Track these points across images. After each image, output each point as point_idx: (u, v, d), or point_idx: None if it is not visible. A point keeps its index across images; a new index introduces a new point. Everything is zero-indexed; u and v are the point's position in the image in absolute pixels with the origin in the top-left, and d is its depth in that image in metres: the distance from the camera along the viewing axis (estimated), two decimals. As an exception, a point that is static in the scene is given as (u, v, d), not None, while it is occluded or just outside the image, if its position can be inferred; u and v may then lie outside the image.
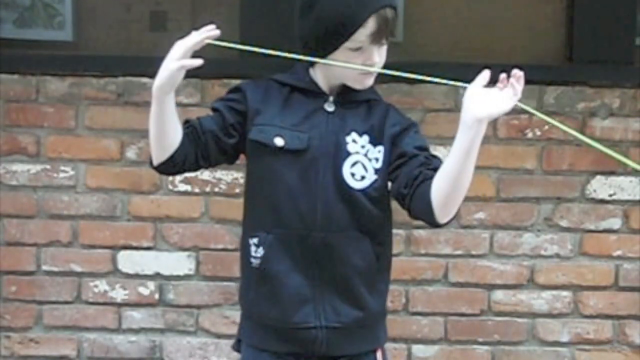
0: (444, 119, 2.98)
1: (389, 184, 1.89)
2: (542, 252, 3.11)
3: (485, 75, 1.72)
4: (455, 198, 1.75)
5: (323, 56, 1.84)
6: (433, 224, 1.81)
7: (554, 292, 3.12)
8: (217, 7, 3.34)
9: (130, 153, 3.09)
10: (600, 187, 3.10)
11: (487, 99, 1.69)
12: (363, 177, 1.86)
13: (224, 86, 3.01)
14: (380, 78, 1.92)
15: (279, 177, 1.86)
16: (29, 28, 3.33)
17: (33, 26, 3.34)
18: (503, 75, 1.72)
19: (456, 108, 3.05)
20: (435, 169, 1.78)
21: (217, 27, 1.82)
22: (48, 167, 3.10)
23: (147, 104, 3.04)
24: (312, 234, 1.85)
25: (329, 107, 1.89)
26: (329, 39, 1.82)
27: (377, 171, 1.86)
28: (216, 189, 3.09)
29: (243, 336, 2.01)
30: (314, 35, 1.84)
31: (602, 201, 3.11)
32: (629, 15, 3.12)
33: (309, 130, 1.86)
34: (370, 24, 1.80)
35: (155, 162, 1.89)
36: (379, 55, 1.85)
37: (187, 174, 3.06)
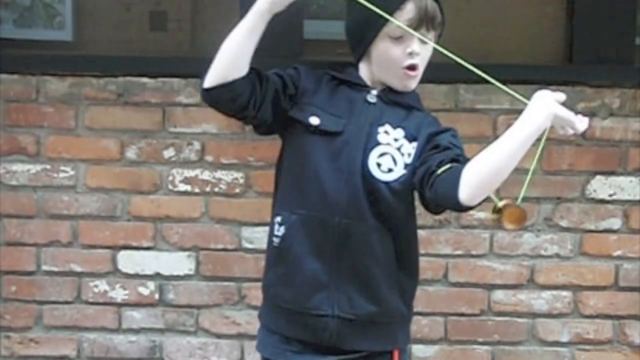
0: (444, 119, 2.94)
1: (417, 171, 1.85)
2: (542, 252, 3.11)
3: (561, 96, 1.75)
4: (489, 181, 1.71)
5: (367, 45, 1.89)
6: (453, 202, 1.74)
7: (554, 292, 3.12)
8: (217, 7, 3.34)
9: (130, 153, 3.09)
10: (600, 187, 3.10)
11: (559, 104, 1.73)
12: (390, 170, 1.85)
13: (224, 86, 3.01)
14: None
15: (310, 158, 1.87)
16: (29, 28, 3.33)
17: (33, 26, 3.34)
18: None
19: (456, 108, 3.06)
20: None
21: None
22: (48, 167, 3.10)
23: (147, 104, 3.09)
24: (334, 220, 1.85)
25: (371, 99, 1.92)
26: (369, 25, 1.85)
27: (406, 166, 1.86)
28: (216, 189, 3.09)
29: (261, 317, 2.02)
30: (356, 21, 1.88)
31: (602, 201, 3.11)
32: (629, 15, 3.12)
33: (348, 116, 1.88)
34: (409, 9, 1.83)
35: (213, 83, 1.81)
36: (421, 50, 1.87)
37: (187, 174, 3.07)
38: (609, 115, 3.08)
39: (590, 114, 3.07)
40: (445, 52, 1.87)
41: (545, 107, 1.71)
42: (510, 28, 3.26)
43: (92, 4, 3.34)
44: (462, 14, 3.25)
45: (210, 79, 1.81)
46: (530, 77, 3.04)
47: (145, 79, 3.07)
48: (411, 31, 1.84)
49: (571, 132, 1.74)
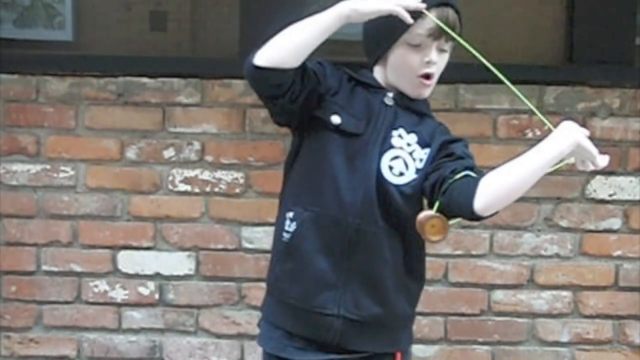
0: (444, 119, 2.94)
1: (429, 176, 1.86)
2: (542, 252, 3.11)
3: (586, 131, 1.77)
4: (505, 195, 1.75)
5: (385, 49, 1.89)
6: (466, 209, 1.77)
7: (554, 292, 3.12)
8: (217, 7, 3.34)
9: (130, 153, 3.09)
10: (600, 187, 3.10)
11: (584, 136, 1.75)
12: (402, 174, 1.87)
13: (224, 86, 3.01)
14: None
15: (327, 156, 1.87)
16: (29, 28, 3.33)
17: (33, 26, 3.34)
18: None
19: (456, 108, 3.06)
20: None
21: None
22: (48, 167, 3.10)
23: (147, 104, 3.08)
24: (348, 220, 1.85)
25: (388, 101, 1.92)
26: (389, 30, 1.85)
27: (418, 171, 1.87)
28: (216, 189, 3.09)
29: (263, 311, 2.02)
30: (376, 28, 1.87)
31: (602, 201, 3.11)
32: (629, 15, 3.12)
33: (367, 119, 1.89)
34: (430, 18, 1.84)
35: (266, 64, 1.78)
36: (438, 59, 1.88)
37: (187, 174, 3.07)
38: (609, 115, 3.08)
39: (590, 114, 3.08)
40: (477, 53, 1.88)
41: (571, 134, 1.74)
42: (510, 28, 3.26)
43: (92, 4, 3.34)
44: (462, 14, 3.25)
45: (265, 59, 1.79)
46: (530, 77, 3.04)
47: (145, 79, 3.07)
48: (443, 26, 1.83)
49: (591, 167, 1.77)
